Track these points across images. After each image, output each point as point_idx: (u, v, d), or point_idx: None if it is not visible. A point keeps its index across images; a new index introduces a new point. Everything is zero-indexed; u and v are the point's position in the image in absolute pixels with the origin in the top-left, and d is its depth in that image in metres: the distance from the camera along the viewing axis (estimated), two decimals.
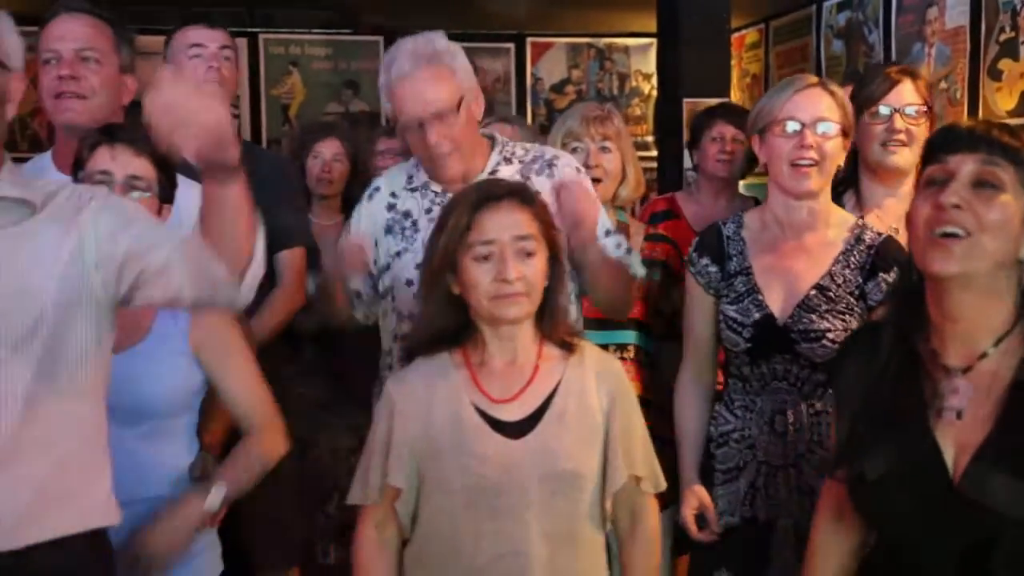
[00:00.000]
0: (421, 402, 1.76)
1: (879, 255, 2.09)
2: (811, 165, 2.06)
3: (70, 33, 2.24)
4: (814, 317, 2.06)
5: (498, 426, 1.74)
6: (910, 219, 1.49)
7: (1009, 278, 1.45)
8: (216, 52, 2.66)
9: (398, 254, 2.22)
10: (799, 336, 2.06)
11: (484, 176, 2.17)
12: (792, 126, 2.06)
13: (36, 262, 1.49)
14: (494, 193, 1.75)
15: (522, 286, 1.71)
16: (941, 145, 1.48)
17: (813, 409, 2.08)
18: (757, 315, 2.10)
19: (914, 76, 2.39)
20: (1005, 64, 3.35)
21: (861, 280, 2.09)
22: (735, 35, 5.26)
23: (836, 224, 2.15)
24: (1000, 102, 3.38)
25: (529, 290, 1.72)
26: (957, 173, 1.43)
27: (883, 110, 2.33)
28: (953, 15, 3.59)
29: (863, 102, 2.33)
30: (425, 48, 2.12)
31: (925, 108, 2.34)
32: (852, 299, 2.08)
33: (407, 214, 2.23)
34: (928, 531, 1.45)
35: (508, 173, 2.19)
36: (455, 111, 2.11)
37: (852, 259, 2.10)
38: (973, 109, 3.47)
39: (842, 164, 2.15)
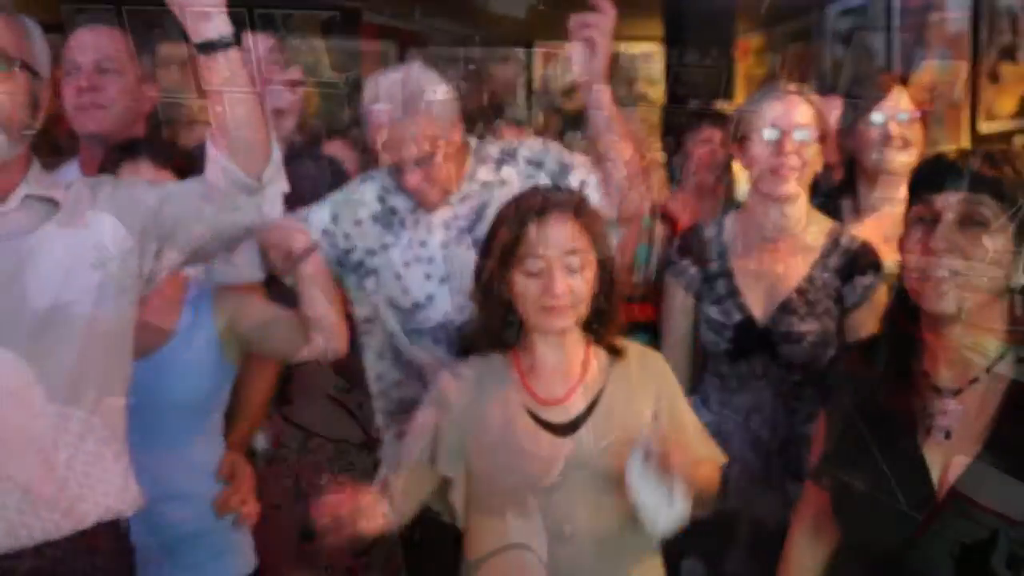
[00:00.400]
0: (472, 400, 1.81)
1: (855, 260, 2.15)
2: (790, 170, 2.12)
3: (89, 45, 2.30)
4: (794, 320, 2.12)
5: (547, 426, 1.78)
6: (902, 255, 1.52)
7: (1002, 306, 1.47)
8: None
9: (384, 246, 2.28)
10: (780, 338, 2.11)
11: (464, 183, 2.24)
12: (771, 134, 2.13)
13: (46, 267, 1.54)
14: (543, 205, 1.76)
15: (568, 300, 1.74)
16: (925, 182, 1.50)
17: (789, 408, 2.13)
18: (738, 317, 2.15)
19: (905, 83, 2.46)
20: (1005, 68, 3.39)
21: (839, 283, 2.14)
22: (740, 40, 5.29)
23: (814, 229, 2.21)
24: (1000, 105, 3.42)
25: (575, 302, 1.75)
26: (942, 214, 1.45)
27: (877, 118, 2.39)
28: (954, 20, 3.63)
29: (857, 110, 2.40)
30: (404, 91, 2.13)
31: (918, 114, 2.41)
32: (830, 302, 2.13)
33: (393, 210, 2.29)
34: (913, 543, 1.46)
35: (484, 174, 2.26)
36: (432, 156, 2.16)
37: (830, 263, 2.16)
38: (974, 113, 3.51)
39: (826, 167, 2.21)
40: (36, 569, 1.51)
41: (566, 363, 1.81)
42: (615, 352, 1.84)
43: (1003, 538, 1.39)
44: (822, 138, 2.16)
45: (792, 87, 2.19)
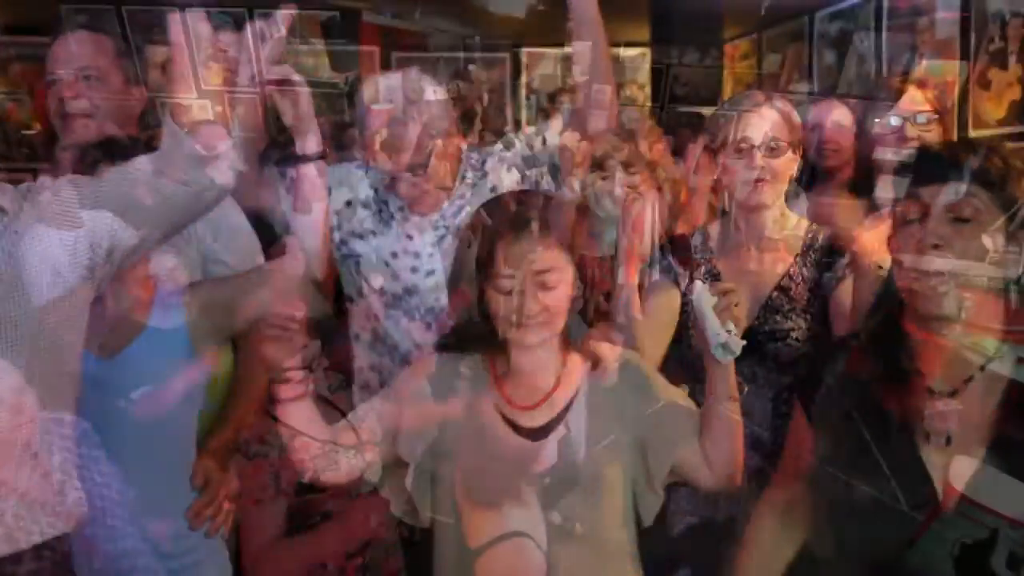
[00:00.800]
0: (445, 397, 1.80)
1: (829, 252, 2.18)
2: (762, 181, 2.14)
3: (71, 55, 2.29)
4: (778, 317, 2.14)
5: (519, 430, 1.78)
6: (893, 255, 1.51)
7: (998, 303, 1.46)
8: None
9: (373, 233, 2.32)
10: (765, 337, 2.13)
11: (456, 185, 2.28)
12: (742, 146, 2.14)
13: (30, 268, 1.53)
14: (516, 221, 1.75)
15: (542, 317, 1.73)
16: (913, 176, 1.48)
17: (778, 411, 2.14)
18: None
19: (921, 84, 2.48)
20: (994, 74, 3.41)
21: (818, 275, 2.17)
22: (728, 45, 5.32)
23: (792, 229, 2.24)
24: (990, 111, 3.44)
25: (549, 319, 1.75)
26: (931, 209, 1.44)
27: (894, 120, 2.42)
28: (944, 26, 3.65)
29: (874, 113, 2.42)
30: (404, 92, 2.18)
31: (935, 115, 2.43)
32: (812, 296, 2.16)
33: (384, 203, 2.33)
34: (913, 543, 1.46)
35: (472, 177, 2.32)
36: (427, 163, 2.19)
37: (808, 259, 2.19)
38: (963, 118, 3.53)
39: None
40: (35, 572, 1.51)
41: (541, 370, 1.81)
42: (593, 359, 1.83)
43: (1003, 538, 1.39)
44: (793, 147, 2.18)
45: (761, 97, 2.22)
